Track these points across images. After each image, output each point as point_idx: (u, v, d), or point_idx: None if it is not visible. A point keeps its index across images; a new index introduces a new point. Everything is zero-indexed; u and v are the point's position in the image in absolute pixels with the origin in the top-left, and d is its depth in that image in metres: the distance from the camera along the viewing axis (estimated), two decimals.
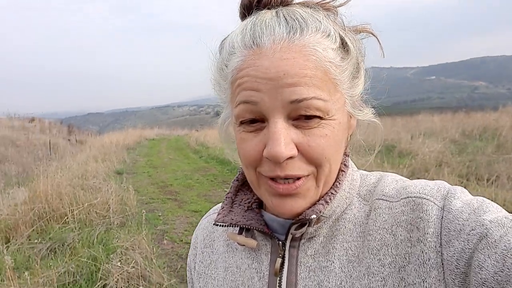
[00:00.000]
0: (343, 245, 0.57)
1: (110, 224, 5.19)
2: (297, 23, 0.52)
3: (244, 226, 0.61)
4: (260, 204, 0.66)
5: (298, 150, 0.52)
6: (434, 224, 0.51)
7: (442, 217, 0.51)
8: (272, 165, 0.52)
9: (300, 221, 0.56)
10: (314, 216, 0.55)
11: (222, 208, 0.65)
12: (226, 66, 0.56)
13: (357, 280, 0.54)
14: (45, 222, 5.17)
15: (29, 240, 4.81)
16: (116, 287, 3.38)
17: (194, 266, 0.72)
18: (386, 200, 0.57)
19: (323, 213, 0.57)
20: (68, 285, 3.62)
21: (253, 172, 0.56)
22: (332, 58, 0.53)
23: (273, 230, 0.62)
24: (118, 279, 3.42)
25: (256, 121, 0.53)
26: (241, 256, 0.65)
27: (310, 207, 0.56)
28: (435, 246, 0.50)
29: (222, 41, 0.60)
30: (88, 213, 5.41)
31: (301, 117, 0.52)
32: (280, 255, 0.59)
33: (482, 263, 0.45)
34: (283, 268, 0.59)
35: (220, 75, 0.59)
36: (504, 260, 0.43)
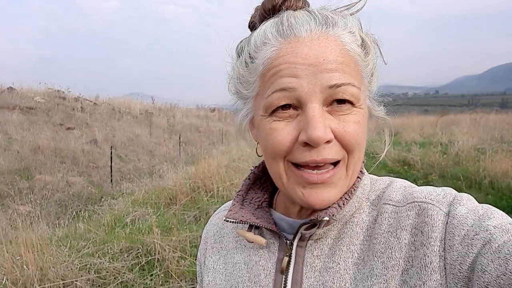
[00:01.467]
0: (349, 248, 0.59)
1: None
2: (329, 19, 0.57)
3: (253, 223, 0.64)
4: (270, 204, 0.70)
5: (334, 136, 0.54)
6: (439, 229, 0.52)
7: (447, 222, 0.52)
8: (306, 151, 0.53)
9: (312, 222, 0.58)
10: (326, 218, 0.56)
11: (233, 205, 0.68)
12: (254, 59, 0.58)
13: (361, 282, 0.55)
14: (197, 194, 6.22)
15: (184, 207, 5.92)
16: None
17: (204, 261, 0.75)
18: (393, 205, 0.58)
19: (335, 216, 0.58)
20: (198, 247, 4.34)
21: (282, 163, 0.57)
22: (360, 53, 0.57)
23: (281, 230, 0.65)
24: None
25: (288, 107, 0.55)
26: (249, 253, 0.67)
27: (336, 202, 0.58)
28: (438, 251, 0.51)
29: (243, 41, 0.63)
30: (229, 190, 6.21)
31: (334, 103, 0.54)
32: (287, 254, 0.62)
33: (485, 267, 0.45)
34: (289, 267, 0.61)
35: (245, 70, 0.60)
36: (507, 264, 0.44)
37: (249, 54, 0.59)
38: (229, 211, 0.66)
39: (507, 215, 0.52)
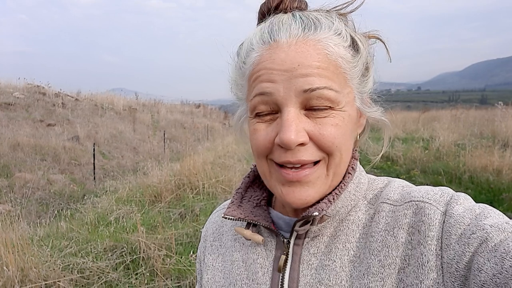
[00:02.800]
0: (345, 246, 0.60)
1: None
2: (311, 21, 0.57)
3: (251, 221, 0.65)
4: (269, 202, 0.71)
5: (310, 138, 0.55)
6: (436, 228, 0.53)
7: (444, 221, 0.53)
8: (283, 152, 0.55)
9: (304, 218, 0.59)
10: (316, 213, 0.57)
11: (232, 202, 0.69)
12: (244, 64, 0.61)
13: (357, 279, 0.56)
14: (182, 191, 6.18)
15: (169, 205, 5.87)
16: None
17: (204, 258, 0.75)
18: (390, 204, 0.59)
19: (326, 211, 0.59)
20: (184, 244, 4.32)
21: (265, 161, 0.59)
22: (343, 54, 0.57)
23: (279, 228, 0.66)
24: None
25: (270, 114, 0.57)
26: (247, 251, 0.68)
27: (321, 200, 0.59)
28: (435, 249, 0.51)
29: (241, 44, 0.65)
30: (215, 187, 6.19)
31: (312, 107, 0.55)
32: (284, 252, 0.62)
33: (482, 266, 0.46)
34: (287, 265, 0.62)
35: (238, 74, 0.63)
36: (503, 262, 0.44)
37: (241, 59, 0.62)
38: (227, 208, 0.67)
39: (503, 214, 0.53)
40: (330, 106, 0.55)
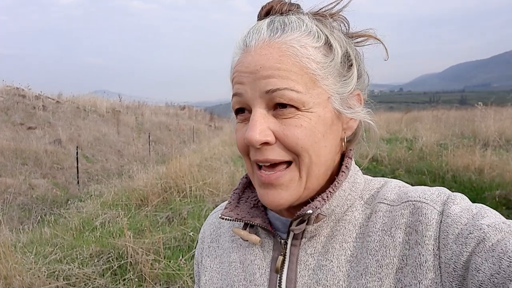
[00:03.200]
0: (342, 245, 0.60)
1: (218, 201, 5.80)
2: (280, 24, 0.58)
3: (248, 222, 0.64)
4: None
5: (276, 138, 0.56)
6: (433, 227, 0.53)
7: (441, 221, 0.53)
8: (253, 150, 0.58)
9: (299, 217, 0.59)
10: (310, 211, 0.57)
11: (229, 202, 0.68)
12: (231, 67, 0.64)
13: (355, 279, 0.56)
14: (169, 195, 6.11)
15: (156, 208, 5.80)
16: None
17: (201, 260, 0.75)
18: (387, 204, 0.59)
19: (320, 210, 0.59)
20: (172, 248, 4.27)
21: (248, 160, 0.61)
22: (311, 55, 0.57)
23: (276, 229, 0.66)
24: None
25: (243, 111, 0.60)
26: (244, 252, 0.68)
27: (315, 198, 0.59)
28: (433, 249, 0.52)
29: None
30: (202, 190, 6.15)
31: (277, 107, 0.56)
32: (282, 253, 0.62)
33: (479, 265, 0.46)
34: (284, 265, 0.62)
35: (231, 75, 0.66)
36: (500, 262, 0.44)
37: (233, 59, 0.64)
38: (224, 209, 0.67)
39: (500, 214, 0.53)
40: (295, 107, 0.56)
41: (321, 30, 0.59)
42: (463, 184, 6.75)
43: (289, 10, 0.61)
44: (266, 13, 0.62)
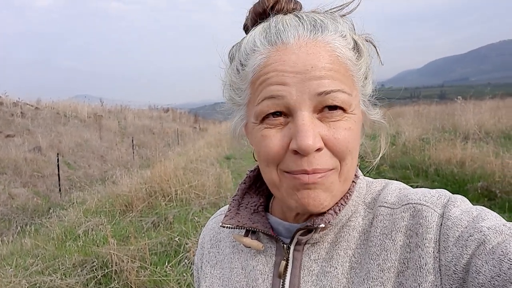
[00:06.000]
0: (346, 252, 0.59)
1: (204, 204, 5.73)
2: (318, 23, 0.55)
3: (250, 228, 0.63)
4: (266, 208, 0.70)
5: (324, 143, 0.53)
6: (433, 230, 0.52)
7: (441, 224, 0.52)
8: (298, 159, 0.53)
9: (307, 227, 0.58)
10: (322, 225, 0.56)
11: (229, 210, 0.67)
12: (244, 66, 0.58)
13: (358, 285, 0.55)
14: (154, 199, 6.02)
15: (141, 214, 5.69)
16: (192, 261, 3.77)
17: (201, 266, 0.74)
18: (388, 207, 0.58)
19: (331, 222, 0.58)
20: (158, 254, 4.19)
21: (274, 169, 0.56)
22: (350, 56, 0.56)
23: (278, 234, 0.64)
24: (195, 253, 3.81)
25: (278, 115, 0.54)
26: (246, 257, 0.67)
27: (327, 210, 0.57)
28: (433, 252, 0.51)
29: (234, 46, 0.63)
30: (188, 193, 6.07)
31: (325, 110, 0.53)
32: (285, 258, 0.61)
33: (480, 268, 0.46)
34: (287, 271, 0.61)
35: (236, 77, 0.60)
36: (501, 265, 0.44)
37: (240, 61, 0.59)
38: (225, 216, 0.66)
39: (500, 216, 0.53)
40: (343, 109, 0.54)
41: (349, 32, 0.58)
42: (446, 177, 6.87)
43: (293, 9, 0.59)
44: (271, 7, 0.58)
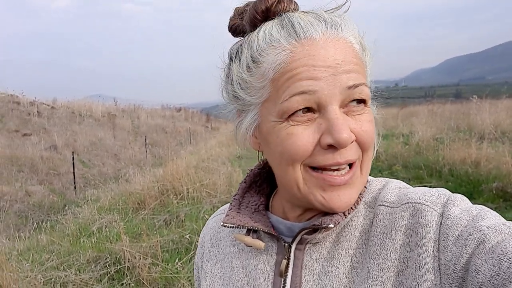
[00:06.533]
0: (348, 252, 0.59)
1: (216, 202, 5.77)
2: (334, 20, 0.56)
3: (251, 227, 0.63)
4: (266, 207, 0.70)
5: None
6: (433, 229, 0.52)
7: (441, 223, 0.52)
8: (329, 153, 0.53)
9: (315, 226, 0.57)
10: (332, 225, 0.56)
11: (230, 209, 0.67)
12: (260, 63, 0.56)
13: (359, 285, 0.55)
14: (166, 197, 6.09)
15: (153, 211, 5.77)
16: None
17: (201, 265, 0.74)
18: (388, 206, 0.58)
19: (340, 224, 0.58)
20: (170, 251, 4.25)
21: (298, 168, 0.55)
22: (361, 53, 0.58)
23: (279, 233, 0.65)
24: None
25: (306, 111, 0.54)
26: (247, 256, 0.67)
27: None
28: (433, 251, 0.51)
29: (238, 44, 0.61)
30: (200, 192, 6.12)
31: (350, 104, 0.54)
32: (286, 257, 0.61)
33: (479, 267, 0.46)
34: (288, 270, 0.61)
35: (248, 75, 0.57)
36: (500, 264, 0.44)
37: (252, 58, 0.57)
38: (226, 216, 0.65)
39: (500, 215, 0.53)
40: (364, 103, 0.55)
41: (356, 32, 0.59)
42: (460, 178, 6.76)
43: (294, 9, 0.59)
44: (271, 8, 0.57)
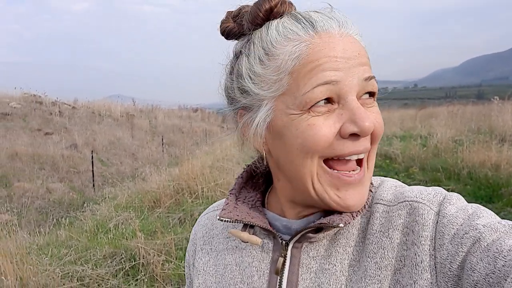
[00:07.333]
0: (345, 250, 0.59)
1: None
2: (343, 19, 0.57)
3: (249, 223, 0.62)
4: (262, 204, 0.69)
5: None
6: (429, 228, 0.53)
7: (437, 221, 0.53)
8: (349, 142, 0.54)
9: (321, 225, 0.57)
10: (341, 224, 0.55)
11: (227, 204, 0.66)
12: (274, 55, 0.55)
13: (356, 283, 0.56)
14: (181, 196, 6.17)
15: (168, 210, 5.86)
16: None
17: (193, 263, 0.73)
18: (384, 204, 0.59)
19: (349, 224, 0.58)
20: (183, 249, 4.31)
21: (315, 160, 0.55)
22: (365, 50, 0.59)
23: (275, 230, 0.64)
24: None
25: (327, 102, 0.54)
26: (241, 254, 0.66)
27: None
28: (429, 250, 0.52)
29: (248, 40, 0.60)
30: (214, 191, 6.18)
31: (363, 96, 0.56)
32: (282, 255, 0.61)
33: (475, 265, 0.46)
34: (284, 267, 0.60)
35: (262, 68, 0.56)
36: (496, 262, 0.45)
37: (265, 51, 0.56)
38: (222, 210, 0.64)
39: (495, 214, 0.54)
40: (373, 96, 0.57)
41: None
42: (479, 181, 6.60)
43: (294, 11, 0.60)
44: (275, 7, 0.57)
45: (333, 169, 0.55)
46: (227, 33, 0.63)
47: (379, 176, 0.69)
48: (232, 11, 0.63)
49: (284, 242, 0.62)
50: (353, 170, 0.55)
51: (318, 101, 0.53)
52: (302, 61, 0.53)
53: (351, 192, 0.55)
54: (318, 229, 0.59)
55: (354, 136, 0.53)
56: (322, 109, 0.53)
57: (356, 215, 0.58)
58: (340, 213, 0.57)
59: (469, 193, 6.03)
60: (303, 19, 0.56)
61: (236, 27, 0.61)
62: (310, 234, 0.59)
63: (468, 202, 0.57)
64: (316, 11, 0.58)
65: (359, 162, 0.56)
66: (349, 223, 0.56)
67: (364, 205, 0.59)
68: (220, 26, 0.63)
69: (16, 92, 18.36)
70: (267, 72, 0.56)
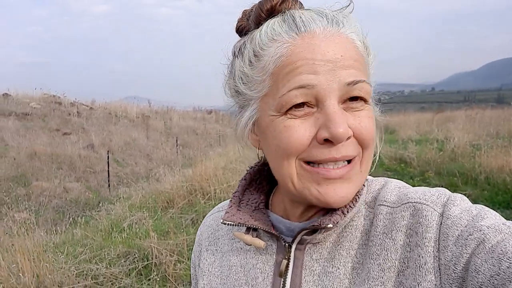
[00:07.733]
0: (349, 252, 0.59)
1: None
2: (336, 17, 0.56)
3: (251, 226, 0.62)
4: (266, 205, 0.69)
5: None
6: (433, 229, 0.52)
7: (441, 223, 0.52)
8: (325, 148, 0.53)
9: (314, 227, 0.57)
10: (330, 225, 0.55)
11: (230, 206, 0.66)
12: (260, 57, 0.56)
13: (359, 286, 0.55)
14: (194, 197, 6.22)
15: (181, 210, 5.91)
16: None
17: (199, 264, 0.73)
18: (388, 206, 0.58)
19: (339, 223, 0.58)
20: None
21: (293, 162, 0.55)
22: (364, 51, 0.58)
23: (279, 232, 0.64)
24: None
25: (302, 105, 0.53)
26: (245, 256, 0.66)
27: (335, 211, 0.57)
28: (433, 251, 0.51)
29: (241, 40, 0.62)
30: (226, 192, 6.21)
31: (348, 100, 0.54)
32: (286, 257, 0.61)
33: (479, 267, 0.46)
34: (288, 270, 0.61)
35: (249, 69, 0.58)
36: (500, 264, 0.44)
37: (254, 52, 0.57)
38: (226, 213, 0.65)
39: (500, 215, 0.53)
40: (364, 100, 0.55)
41: (359, 30, 0.59)
42: (497, 186, 6.44)
43: (299, 9, 0.59)
44: (280, 4, 0.58)
45: (314, 165, 0.54)
46: (240, 32, 0.64)
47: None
48: (247, 10, 0.63)
49: (287, 244, 0.62)
50: (333, 163, 0.54)
51: (294, 105, 0.53)
52: (282, 63, 0.53)
53: (332, 188, 0.54)
54: (315, 231, 0.58)
55: (330, 142, 0.52)
56: (299, 113, 0.53)
57: (347, 212, 0.57)
58: (332, 213, 0.57)
59: (486, 199, 5.89)
60: (289, 19, 0.56)
61: (247, 26, 0.62)
62: (306, 236, 0.59)
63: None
64: (310, 9, 0.58)
65: (350, 160, 0.55)
66: (337, 222, 0.55)
67: (353, 203, 0.58)
68: (236, 24, 0.64)
69: (36, 93, 18.88)
70: (254, 73, 0.57)
